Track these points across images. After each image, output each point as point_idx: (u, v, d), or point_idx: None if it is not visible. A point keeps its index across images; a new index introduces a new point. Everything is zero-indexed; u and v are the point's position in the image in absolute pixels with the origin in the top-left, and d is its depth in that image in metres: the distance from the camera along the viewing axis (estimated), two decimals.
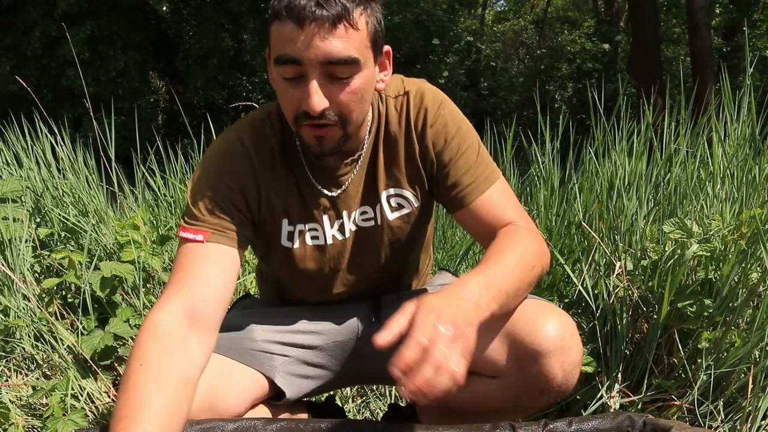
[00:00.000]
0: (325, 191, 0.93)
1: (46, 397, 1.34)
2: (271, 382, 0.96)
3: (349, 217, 0.95)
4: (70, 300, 1.65)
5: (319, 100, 0.79)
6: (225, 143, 0.92)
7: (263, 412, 0.95)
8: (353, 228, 0.96)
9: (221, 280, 0.85)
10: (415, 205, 0.96)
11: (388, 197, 0.95)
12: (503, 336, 0.87)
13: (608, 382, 1.29)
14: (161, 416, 0.72)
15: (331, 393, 1.21)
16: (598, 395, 1.29)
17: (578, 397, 1.32)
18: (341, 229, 0.96)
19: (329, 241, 0.96)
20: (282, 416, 1.00)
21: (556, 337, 0.84)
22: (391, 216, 0.96)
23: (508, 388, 0.88)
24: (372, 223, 0.96)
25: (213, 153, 0.92)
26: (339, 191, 0.93)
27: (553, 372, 0.84)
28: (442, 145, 0.92)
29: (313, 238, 0.95)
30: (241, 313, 1.05)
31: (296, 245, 0.95)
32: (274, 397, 0.97)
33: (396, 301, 1.04)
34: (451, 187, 0.92)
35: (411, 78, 0.97)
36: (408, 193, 0.95)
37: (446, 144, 0.91)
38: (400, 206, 0.96)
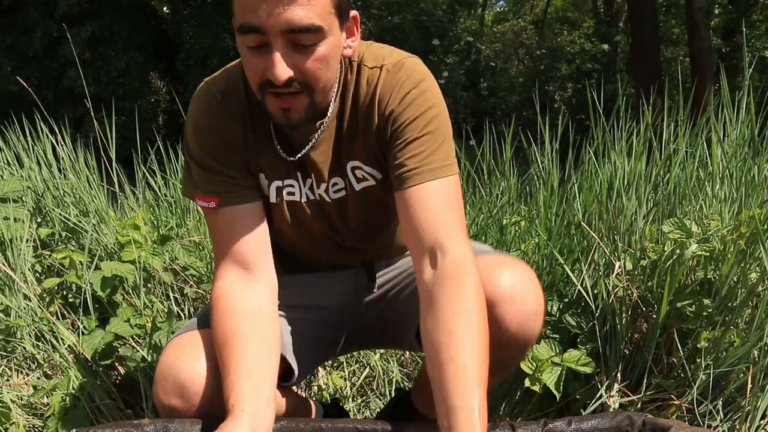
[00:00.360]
0: (289, 157, 0.93)
1: (47, 397, 1.35)
2: (281, 359, 0.96)
3: (320, 185, 0.95)
4: (70, 300, 1.65)
5: (282, 70, 0.78)
6: (202, 101, 0.92)
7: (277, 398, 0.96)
8: (327, 199, 0.97)
9: (252, 230, 0.90)
10: (379, 177, 0.95)
11: (353, 168, 0.94)
12: None
13: (608, 382, 1.30)
14: (247, 347, 0.81)
15: (336, 396, 1.22)
16: (598, 395, 1.30)
17: (578, 396, 1.33)
18: (311, 190, 0.96)
19: (303, 199, 0.97)
20: (287, 412, 1.01)
21: (507, 287, 0.85)
22: (358, 186, 0.95)
23: None
24: (343, 192, 0.97)
25: (194, 112, 0.92)
26: (299, 155, 0.92)
27: (507, 322, 0.84)
28: (400, 123, 0.87)
29: (288, 194, 0.96)
30: None
31: (274, 200, 0.97)
32: (284, 376, 0.98)
33: (388, 265, 1.09)
34: (396, 167, 0.87)
35: (404, 52, 0.92)
36: (367, 168, 0.94)
37: (406, 123, 0.87)
38: (364, 178, 0.95)
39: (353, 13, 0.85)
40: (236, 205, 0.90)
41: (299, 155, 0.92)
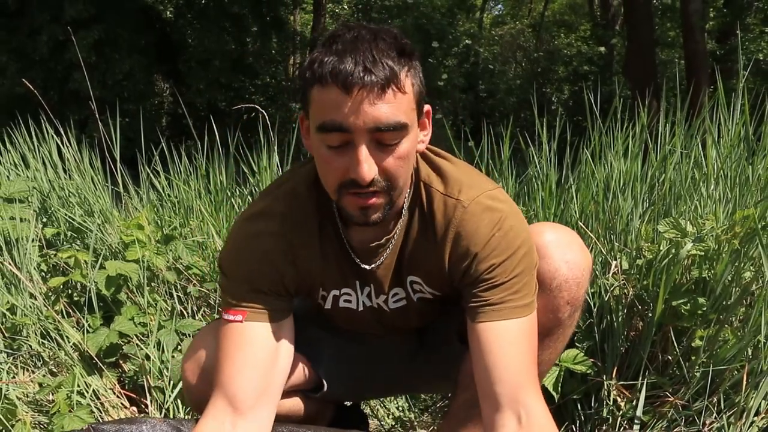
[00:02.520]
0: (363, 265, 0.90)
1: (53, 394, 1.36)
2: (314, 373, 0.98)
3: (380, 296, 0.94)
4: (75, 298, 1.67)
5: (368, 169, 0.75)
6: (255, 222, 0.87)
7: (296, 402, 1.00)
8: (386, 308, 0.96)
9: (262, 358, 0.84)
10: (438, 296, 0.94)
11: (411, 282, 0.93)
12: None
13: (605, 379, 1.31)
14: None
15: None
16: (594, 392, 1.31)
17: (575, 396, 1.34)
18: (369, 298, 0.94)
19: (360, 308, 0.96)
20: (306, 411, 1.04)
21: (553, 236, 0.93)
22: (415, 297, 0.95)
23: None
24: (404, 302, 0.96)
25: (244, 230, 0.88)
26: (373, 266, 0.90)
27: (556, 264, 0.91)
28: (487, 267, 0.84)
29: (346, 301, 0.95)
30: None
31: (328, 306, 0.95)
32: (313, 388, 1.00)
33: (441, 322, 1.07)
34: (475, 300, 0.84)
35: (477, 180, 0.88)
36: (428, 288, 0.93)
37: (492, 267, 0.83)
38: (421, 292, 0.94)
39: (427, 107, 0.83)
40: (262, 323, 0.85)
41: (373, 266, 0.89)
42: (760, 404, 1.20)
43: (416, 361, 1.10)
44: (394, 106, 0.74)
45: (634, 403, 1.29)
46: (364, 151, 0.74)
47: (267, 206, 0.88)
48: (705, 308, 1.26)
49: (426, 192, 0.87)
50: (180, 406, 1.40)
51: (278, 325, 0.87)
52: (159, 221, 2.02)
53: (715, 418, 1.23)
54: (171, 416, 1.39)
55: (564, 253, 0.92)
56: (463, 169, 0.89)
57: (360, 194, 0.78)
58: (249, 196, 2.16)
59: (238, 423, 0.83)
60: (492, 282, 0.84)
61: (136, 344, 1.47)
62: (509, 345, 0.82)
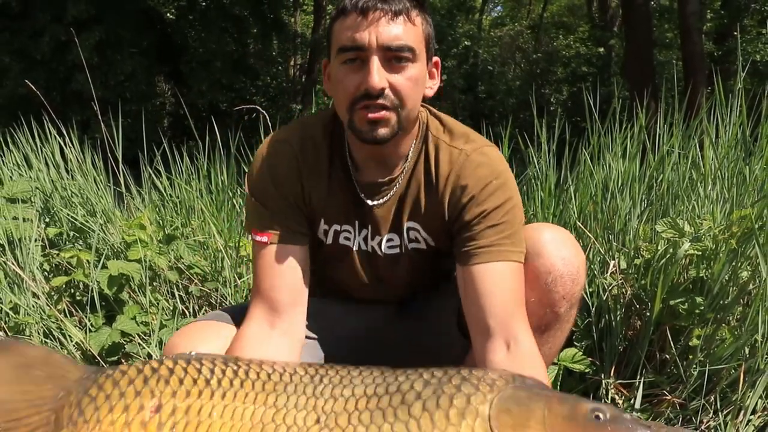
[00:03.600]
0: (367, 200, 0.97)
1: None
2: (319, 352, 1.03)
3: (375, 238, 1.00)
4: (78, 298, 1.68)
5: (379, 78, 0.84)
6: (274, 145, 0.98)
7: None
8: (379, 252, 1.01)
9: (291, 274, 0.95)
10: (431, 244, 1.00)
11: (409, 229, 0.99)
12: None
13: (603, 378, 1.32)
14: None
15: None
16: (593, 391, 1.32)
17: (574, 395, 1.35)
18: (365, 241, 1.01)
19: (356, 248, 1.01)
20: None
21: (549, 234, 0.97)
22: (409, 246, 1.01)
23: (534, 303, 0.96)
24: (397, 250, 1.01)
25: (264, 154, 0.98)
26: (376, 203, 0.97)
27: (552, 260, 0.95)
28: (481, 211, 0.92)
29: (345, 239, 1.01)
30: None
31: (329, 241, 1.02)
32: None
33: (422, 299, 1.12)
34: (468, 244, 0.92)
35: (480, 138, 0.97)
36: (424, 233, 0.99)
37: (486, 212, 0.92)
38: (416, 240, 1.00)
39: (436, 58, 0.95)
40: (287, 245, 0.95)
41: (378, 202, 0.97)
42: (756, 403, 1.20)
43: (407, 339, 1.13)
44: (405, 31, 0.86)
45: (632, 401, 1.29)
46: (375, 62, 0.85)
47: (286, 135, 0.98)
48: (702, 307, 1.26)
49: (434, 143, 0.96)
50: None
51: (301, 247, 0.97)
52: (161, 221, 2.03)
53: (712, 416, 1.24)
54: None
55: (559, 250, 0.96)
56: (466, 127, 0.99)
57: (370, 107, 0.86)
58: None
59: (276, 323, 0.93)
60: (485, 224, 0.92)
61: (138, 343, 1.48)
62: (501, 282, 0.90)
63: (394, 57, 0.85)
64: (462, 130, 0.97)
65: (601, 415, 0.69)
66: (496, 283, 0.89)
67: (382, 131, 0.87)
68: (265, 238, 0.95)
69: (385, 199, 0.97)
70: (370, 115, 0.86)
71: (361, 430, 0.70)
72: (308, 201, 0.98)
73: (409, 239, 0.99)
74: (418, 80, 0.88)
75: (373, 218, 0.98)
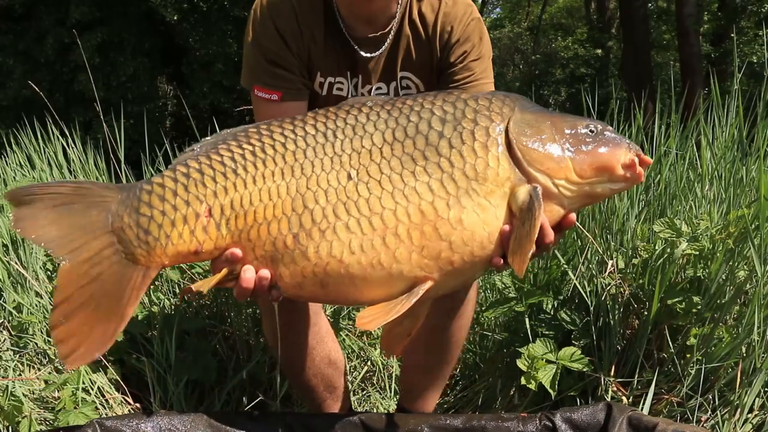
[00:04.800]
0: (360, 52, 1.07)
1: (58, 391, 1.38)
2: None
3: (365, 86, 1.10)
4: None
5: None
6: (278, 1, 1.04)
7: None
8: None
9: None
10: (421, 88, 1.11)
11: (402, 78, 1.10)
12: None
13: (601, 377, 1.33)
14: None
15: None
16: (591, 389, 1.33)
17: (572, 393, 1.36)
18: (356, 89, 1.10)
19: (348, 96, 1.10)
20: None
21: None
22: (401, 93, 1.11)
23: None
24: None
25: (266, 8, 1.04)
26: (368, 54, 1.07)
27: None
28: (465, 49, 1.07)
29: (338, 89, 1.10)
30: None
31: (324, 93, 1.09)
32: None
33: None
34: (454, 79, 1.07)
35: None
36: (416, 79, 1.10)
37: (469, 50, 1.07)
38: (408, 87, 1.11)
39: None
40: (293, 101, 1.03)
41: (372, 54, 1.07)
42: (753, 401, 1.21)
43: None
44: None
45: (630, 399, 1.30)
46: None
47: None
48: (699, 307, 1.27)
49: (417, 1, 1.09)
50: (183, 403, 1.42)
51: (304, 102, 1.05)
52: None
53: (710, 415, 1.24)
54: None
55: None
56: None
57: None
58: None
59: None
60: (469, 59, 1.08)
61: (140, 342, 1.49)
62: None
63: None
64: None
65: (593, 129, 0.86)
66: None
67: None
68: (275, 96, 1.02)
69: (377, 52, 1.07)
70: None
71: (396, 178, 0.79)
72: (308, 53, 1.05)
73: (401, 87, 1.10)
74: None
75: (365, 69, 1.08)
